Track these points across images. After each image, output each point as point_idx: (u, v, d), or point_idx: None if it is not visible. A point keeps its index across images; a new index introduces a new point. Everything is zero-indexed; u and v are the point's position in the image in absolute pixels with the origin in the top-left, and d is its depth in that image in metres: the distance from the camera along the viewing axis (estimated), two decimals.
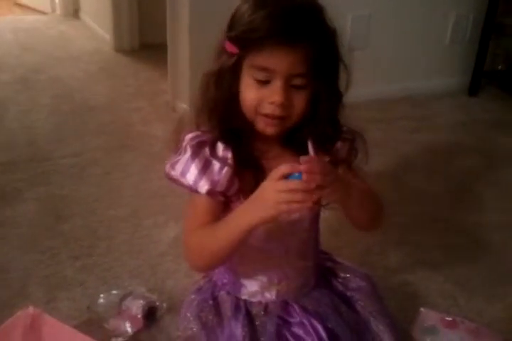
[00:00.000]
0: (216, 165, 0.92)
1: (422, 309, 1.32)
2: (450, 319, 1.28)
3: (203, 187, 0.92)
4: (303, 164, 0.79)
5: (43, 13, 4.13)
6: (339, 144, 0.98)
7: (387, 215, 1.68)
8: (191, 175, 0.92)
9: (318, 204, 0.83)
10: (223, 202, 0.94)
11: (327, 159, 0.94)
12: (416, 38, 2.67)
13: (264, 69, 0.86)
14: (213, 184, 0.92)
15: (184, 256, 1.00)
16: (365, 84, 2.38)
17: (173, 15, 2.33)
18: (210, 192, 0.92)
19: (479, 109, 2.67)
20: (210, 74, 0.92)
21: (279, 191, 0.79)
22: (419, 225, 1.71)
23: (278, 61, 0.85)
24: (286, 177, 0.80)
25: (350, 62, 0.94)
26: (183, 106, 2.33)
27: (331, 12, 0.91)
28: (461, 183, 1.99)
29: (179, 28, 2.31)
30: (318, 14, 0.89)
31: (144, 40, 3.36)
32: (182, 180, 0.93)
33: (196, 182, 0.92)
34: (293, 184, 0.79)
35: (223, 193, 0.93)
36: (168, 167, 0.95)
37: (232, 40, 0.88)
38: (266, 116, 0.90)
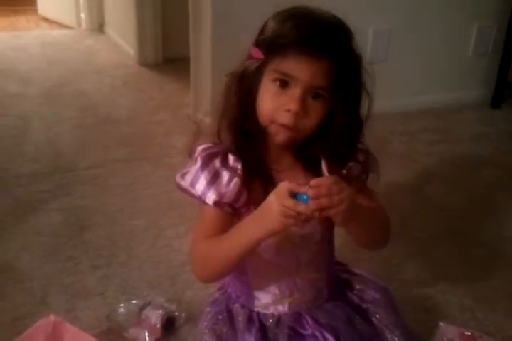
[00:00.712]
0: (225, 177, 0.93)
1: (441, 323, 1.31)
2: (469, 333, 1.27)
3: (210, 198, 0.93)
4: (312, 188, 0.79)
5: (69, 27, 4.22)
6: (352, 163, 0.98)
7: (407, 227, 1.69)
8: (200, 185, 0.94)
9: (328, 220, 0.84)
10: (232, 213, 0.95)
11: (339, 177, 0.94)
12: (438, 50, 2.66)
13: (286, 75, 0.88)
14: (220, 195, 0.92)
15: (191, 266, 1.01)
16: (387, 97, 2.38)
17: (196, 30, 2.37)
18: (217, 203, 0.93)
19: (502, 122, 2.65)
20: (233, 76, 0.94)
21: (286, 207, 0.80)
22: (439, 238, 1.70)
23: (300, 69, 0.86)
24: (294, 194, 0.81)
25: (375, 89, 0.94)
26: (204, 118, 2.36)
27: (352, 26, 0.92)
28: (482, 196, 1.97)
29: (202, 42, 2.34)
30: (346, 35, 0.90)
31: (168, 54, 3.41)
32: (191, 190, 0.95)
33: (204, 193, 0.93)
34: (299, 207, 0.80)
35: (231, 205, 0.94)
36: (178, 177, 0.97)
37: (258, 45, 0.90)
38: (281, 126, 0.90)
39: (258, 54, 0.90)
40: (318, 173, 0.93)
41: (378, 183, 1.01)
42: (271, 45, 0.88)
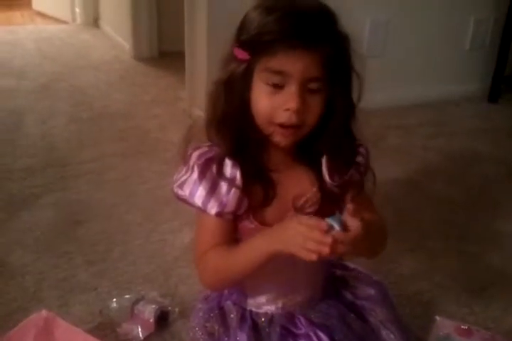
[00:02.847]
0: (224, 186, 0.90)
1: (437, 317, 1.30)
2: (465, 327, 1.26)
3: (212, 209, 0.90)
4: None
5: (64, 22, 4.20)
6: (352, 170, 0.94)
7: (405, 221, 1.68)
8: (199, 197, 0.90)
9: None
10: (233, 219, 0.93)
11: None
12: (435, 43, 2.65)
13: (278, 72, 0.83)
14: (222, 205, 0.90)
15: (199, 277, 0.98)
16: (383, 90, 2.38)
17: (191, 24, 2.35)
18: (219, 214, 0.91)
19: (499, 116, 2.64)
20: (219, 83, 0.89)
21: (310, 238, 0.79)
22: (436, 232, 1.69)
23: (293, 64, 0.82)
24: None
25: (365, 70, 0.91)
26: (200, 113, 2.34)
27: (349, 17, 0.90)
28: (479, 190, 1.96)
29: (197, 36, 2.33)
30: (331, 19, 0.87)
31: (163, 48, 3.40)
32: (191, 201, 0.92)
33: (205, 204, 0.90)
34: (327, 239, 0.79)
35: (233, 213, 0.91)
36: (176, 187, 0.93)
37: (242, 45, 0.85)
38: (281, 125, 0.86)
39: (243, 55, 0.84)
40: (319, 173, 0.91)
41: (375, 192, 0.97)
42: (257, 44, 0.82)
